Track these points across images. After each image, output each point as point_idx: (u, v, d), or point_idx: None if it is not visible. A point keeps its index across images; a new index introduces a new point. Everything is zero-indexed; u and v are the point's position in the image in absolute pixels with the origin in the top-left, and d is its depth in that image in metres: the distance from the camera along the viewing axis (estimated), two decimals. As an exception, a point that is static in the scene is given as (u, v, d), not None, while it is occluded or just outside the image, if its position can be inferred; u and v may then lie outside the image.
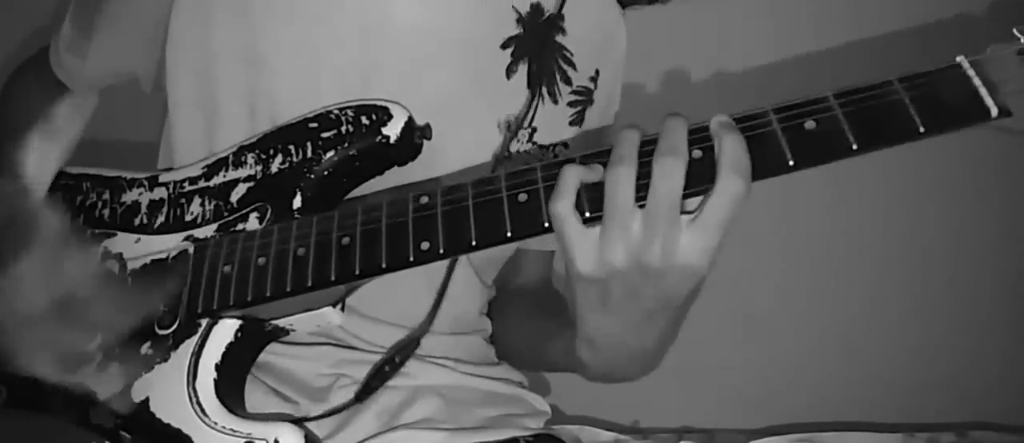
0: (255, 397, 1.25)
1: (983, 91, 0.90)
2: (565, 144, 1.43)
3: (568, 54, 1.41)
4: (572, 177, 0.97)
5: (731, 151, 0.93)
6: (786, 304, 2.22)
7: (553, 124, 1.40)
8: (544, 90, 1.38)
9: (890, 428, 2.10)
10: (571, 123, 1.43)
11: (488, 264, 1.45)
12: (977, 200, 2.14)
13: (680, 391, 2.24)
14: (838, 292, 2.20)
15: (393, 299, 1.31)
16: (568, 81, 1.41)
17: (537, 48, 1.37)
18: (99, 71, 1.43)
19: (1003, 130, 0.91)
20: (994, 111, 0.90)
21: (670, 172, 0.93)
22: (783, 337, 2.22)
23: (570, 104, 1.42)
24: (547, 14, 1.39)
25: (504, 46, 1.36)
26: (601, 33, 1.46)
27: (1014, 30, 0.91)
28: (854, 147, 0.92)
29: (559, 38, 1.40)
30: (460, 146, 1.31)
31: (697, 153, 0.96)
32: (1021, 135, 0.91)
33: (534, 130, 1.38)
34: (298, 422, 1.11)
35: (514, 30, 1.36)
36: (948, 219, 2.17)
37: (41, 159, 1.37)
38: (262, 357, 1.21)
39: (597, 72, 1.45)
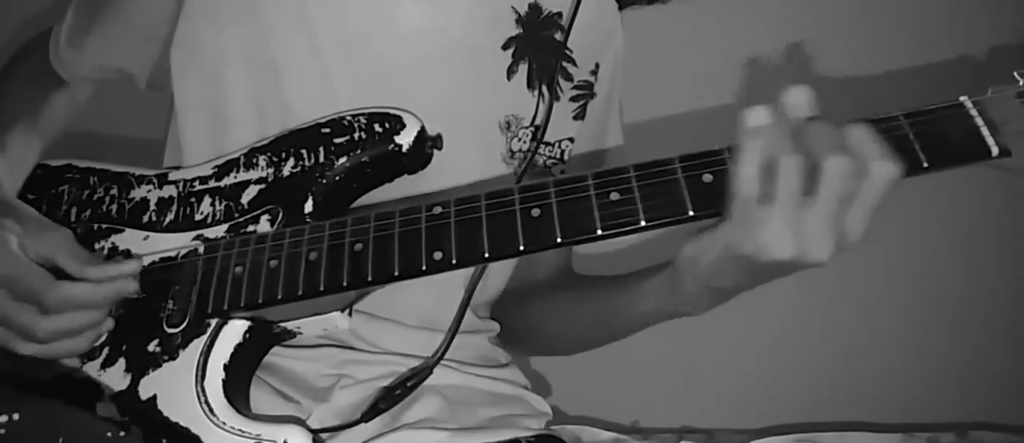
0: (259, 397, 1.26)
1: (985, 131, 0.92)
2: (570, 139, 1.44)
3: (568, 51, 1.41)
4: (754, 160, 0.95)
5: (869, 142, 0.94)
6: (786, 304, 2.22)
7: (556, 121, 1.40)
8: (544, 89, 1.39)
9: (890, 428, 2.09)
10: (574, 118, 1.44)
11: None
12: (978, 200, 2.13)
13: (680, 391, 2.26)
14: (838, 292, 2.20)
15: (399, 300, 1.33)
16: (569, 77, 1.42)
17: (537, 47, 1.38)
18: (94, 65, 1.43)
19: (1002, 169, 0.93)
20: (995, 150, 0.92)
21: (841, 174, 0.93)
22: (783, 337, 2.22)
23: (572, 99, 1.43)
24: (545, 13, 1.40)
25: (505, 47, 1.37)
26: (599, 28, 1.47)
27: (1015, 73, 0.92)
28: None
29: (558, 36, 1.40)
30: (462, 148, 1.32)
31: (708, 177, 0.99)
32: (1017, 173, 0.92)
33: (536, 128, 1.39)
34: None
35: (514, 30, 1.37)
36: (948, 219, 2.17)
37: (22, 151, 1.38)
38: (265, 357, 1.23)
39: (597, 65, 1.46)
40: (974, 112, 0.93)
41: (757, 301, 2.23)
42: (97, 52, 1.41)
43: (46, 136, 1.45)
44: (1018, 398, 2.14)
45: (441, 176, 1.28)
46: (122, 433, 1.10)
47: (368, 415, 1.26)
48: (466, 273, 1.35)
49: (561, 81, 1.41)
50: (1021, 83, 0.93)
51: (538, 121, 1.38)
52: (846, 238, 0.96)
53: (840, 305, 2.21)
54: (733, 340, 2.21)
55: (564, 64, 1.41)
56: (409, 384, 1.28)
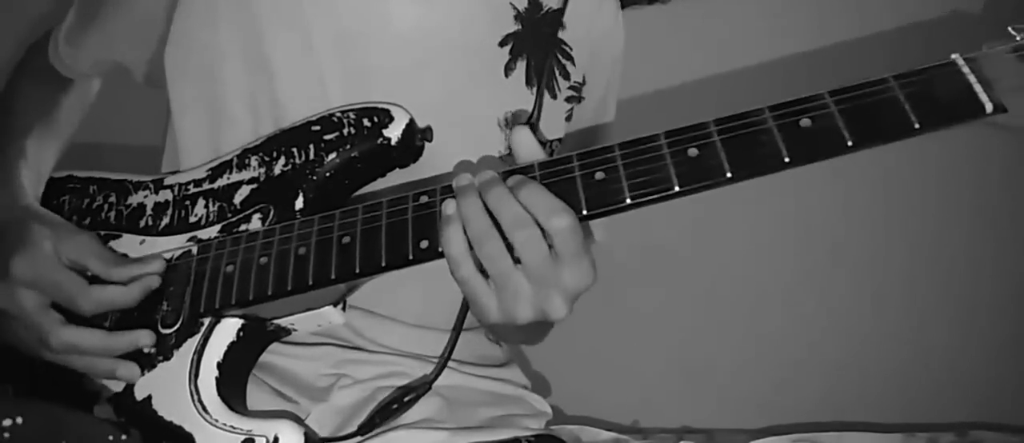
0: (258, 398, 1.25)
1: (978, 88, 0.90)
2: (560, 140, 1.43)
3: (567, 49, 1.41)
4: (459, 243, 1.01)
5: (539, 199, 0.99)
6: (786, 304, 2.22)
7: (550, 120, 1.40)
8: (542, 86, 1.38)
9: (890, 428, 2.10)
10: (566, 119, 1.44)
11: None
12: (977, 200, 2.14)
13: (680, 391, 2.26)
14: (838, 292, 2.20)
15: (396, 297, 1.32)
16: (566, 76, 1.42)
17: (536, 44, 1.38)
18: (92, 60, 1.45)
19: (998, 126, 0.91)
20: (989, 107, 0.90)
21: (531, 242, 0.98)
22: (783, 337, 2.22)
23: (567, 100, 1.43)
24: (545, 9, 1.39)
25: (502, 44, 1.36)
26: (599, 30, 1.46)
27: (1009, 28, 0.91)
28: (850, 144, 0.92)
29: (559, 33, 1.40)
30: (461, 145, 1.32)
31: (693, 151, 0.97)
32: (1016, 131, 0.91)
33: (532, 127, 1.38)
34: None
35: (512, 27, 1.37)
36: (948, 219, 2.17)
37: (41, 155, 1.38)
38: (264, 357, 1.22)
39: (584, 78, 1.45)
40: (966, 69, 0.91)
41: (757, 301, 2.25)
42: (96, 48, 1.42)
43: (61, 137, 1.47)
44: (1018, 398, 2.14)
45: (438, 173, 1.28)
46: (123, 436, 1.10)
47: (365, 428, 1.25)
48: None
49: (559, 80, 1.41)
50: (1018, 38, 0.91)
51: (533, 119, 1.38)
52: (570, 290, 1.00)
53: (840, 305, 2.21)
54: (733, 340, 2.21)
55: (563, 62, 1.41)
56: (406, 400, 1.27)
